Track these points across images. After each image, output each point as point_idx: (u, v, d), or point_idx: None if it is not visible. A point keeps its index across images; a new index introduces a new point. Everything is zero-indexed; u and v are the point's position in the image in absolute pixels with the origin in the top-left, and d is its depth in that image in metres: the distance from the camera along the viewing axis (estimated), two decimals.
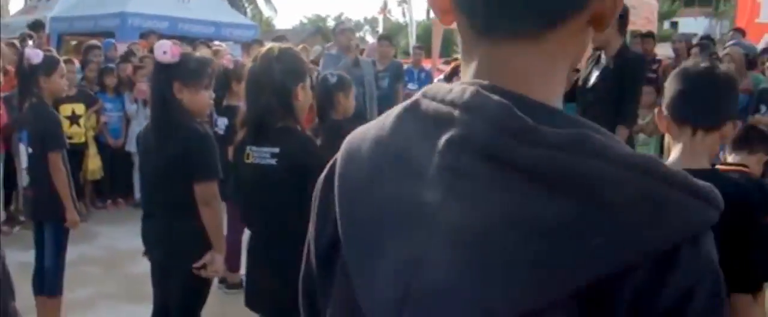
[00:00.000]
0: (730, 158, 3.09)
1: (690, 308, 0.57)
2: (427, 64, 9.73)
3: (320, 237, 0.75)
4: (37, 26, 8.18)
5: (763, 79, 5.90)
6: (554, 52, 0.66)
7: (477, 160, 0.59)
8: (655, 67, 7.83)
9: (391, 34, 14.64)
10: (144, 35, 10.74)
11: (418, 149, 0.63)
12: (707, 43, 7.52)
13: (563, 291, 0.56)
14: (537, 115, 0.60)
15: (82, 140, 6.61)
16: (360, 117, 6.56)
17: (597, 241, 0.55)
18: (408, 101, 0.70)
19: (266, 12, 33.61)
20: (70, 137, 6.48)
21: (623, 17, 4.56)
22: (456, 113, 0.62)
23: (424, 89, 0.70)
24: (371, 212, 0.66)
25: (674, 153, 1.77)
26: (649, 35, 8.09)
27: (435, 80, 11.05)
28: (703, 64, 1.80)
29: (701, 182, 0.59)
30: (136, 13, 12.33)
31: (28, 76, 3.82)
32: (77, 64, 6.85)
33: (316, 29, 34.21)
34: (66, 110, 6.44)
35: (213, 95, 2.87)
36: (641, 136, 6.84)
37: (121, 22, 12.16)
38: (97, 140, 6.98)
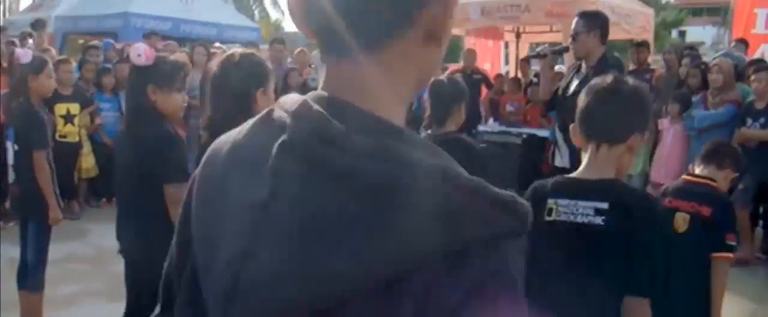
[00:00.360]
0: (699, 170, 3.12)
1: (473, 307, 0.62)
2: None
3: (182, 233, 0.81)
4: (38, 25, 8.29)
5: (750, 91, 5.93)
6: (389, 67, 0.72)
7: (297, 163, 0.66)
8: (647, 76, 7.87)
9: None
10: (146, 36, 10.87)
11: (261, 152, 0.70)
12: (696, 53, 7.54)
13: (362, 285, 0.62)
14: (355, 124, 0.67)
15: (76, 139, 6.69)
16: None
17: (394, 240, 0.62)
18: (266, 109, 0.77)
19: (274, 14, 33.77)
20: (64, 136, 6.60)
21: (604, 27, 4.62)
22: (288, 120, 0.69)
23: (280, 98, 0.76)
24: (218, 210, 0.72)
25: (582, 165, 1.85)
26: (643, 44, 8.12)
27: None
28: (609, 81, 1.85)
29: (504, 193, 0.65)
30: (139, 13, 12.46)
31: (17, 75, 3.92)
32: (74, 64, 6.94)
33: None
34: (61, 109, 6.53)
35: (186, 98, 2.94)
36: None
37: (124, 22, 12.28)
38: (92, 138, 7.07)
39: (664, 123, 6.53)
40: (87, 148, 6.95)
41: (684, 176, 3.14)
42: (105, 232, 6.38)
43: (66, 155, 6.64)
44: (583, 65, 4.69)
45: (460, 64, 9.72)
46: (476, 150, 3.38)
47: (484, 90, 9.63)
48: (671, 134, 6.42)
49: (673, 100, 6.44)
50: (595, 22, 4.65)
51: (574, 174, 1.86)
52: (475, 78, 9.37)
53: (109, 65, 7.30)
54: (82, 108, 6.71)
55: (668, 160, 6.41)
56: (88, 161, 6.95)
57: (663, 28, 29.08)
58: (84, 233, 6.29)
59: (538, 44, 10.76)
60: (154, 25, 12.60)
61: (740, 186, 5.64)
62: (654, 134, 6.71)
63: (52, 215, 3.73)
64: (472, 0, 8.91)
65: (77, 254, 5.67)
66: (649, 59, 8.32)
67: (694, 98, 6.31)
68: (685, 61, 6.78)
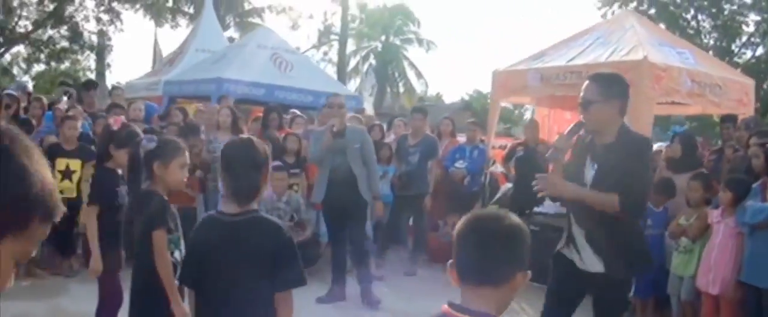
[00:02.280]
0: (469, 293, 1.83)
1: None
2: (482, 142, 8.88)
3: None
4: (89, 85, 8.49)
5: None
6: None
7: None
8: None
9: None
10: (221, 100, 10.96)
11: None
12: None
13: None
14: None
15: (74, 195, 6.57)
16: (343, 184, 6.14)
17: None
18: None
19: (418, 87, 34.06)
20: (61, 191, 6.49)
21: (624, 95, 3.59)
22: None
23: None
24: None
25: None
26: (729, 119, 6.75)
27: (491, 162, 9.99)
28: None
29: None
30: (231, 79, 12.66)
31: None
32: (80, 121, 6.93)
33: (466, 105, 33.98)
34: (61, 164, 6.48)
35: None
36: (684, 240, 5.55)
37: (217, 87, 12.52)
38: None
39: (713, 215, 5.19)
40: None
41: (445, 307, 1.86)
42: (83, 295, 6.13)
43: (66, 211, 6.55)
44: (596, 143, 3.62)
45: (521, 138, 8.75)
46: (284, 235, 2.62)
47: (551, 166, 8.52)
48: (721, 231, 5.07)
49: (725, 186, 5.12)
50: (613, 88, 3.58)
51: None
52: (538, 151, 8.35)
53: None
54: (84, 164, 6.61)
55: (716, 263, 5.04)
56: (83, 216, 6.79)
57: None
58: (58, 293, 6.05)
59: None
60: (246, 90, 12.79)
61: None
62: (703, 228, 5.38)
63: None
64: (531, 67, 8.00)
65: (29, 314, 5.41)
66: None
67: (755, 185, 4.96)
68: (754, 139, 5.41)
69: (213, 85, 12.67)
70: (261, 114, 11.24)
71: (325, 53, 29.88)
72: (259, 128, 7.95)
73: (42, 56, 23.37)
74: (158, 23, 22.16)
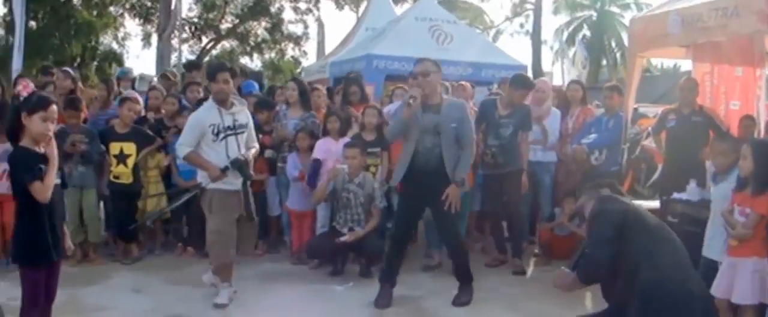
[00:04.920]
0: None
1: None
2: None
3: None
4: (191, 65, 8.32)
5: None
6: None
7: None
8: None
9: None
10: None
11: None
12: None
13: None
14: None
15: (130, 180, 6.29)
16: (429, 169, 4.99)
17: None
18: None
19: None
20: (117, 177, 6.28)
21: None
22: None
23: None
24: None
25: None
26: None
27: (644, 135, 7.95)
28: None
29: None
30: (381, 55, 12.04)
31: None
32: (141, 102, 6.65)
33: (688, 73, 29.98)
34: (115, 148, 6.25)
35: None
36: None
37: (367, 64, 11.97)
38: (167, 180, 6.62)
39: None
40: (153, 190, 6.48)
41: None
42: (121, 286, 5.72)
43: (119, 197, 6.32)
44: None
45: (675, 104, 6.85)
46: None
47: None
48: None
49: None
50: None
51: None
52: (694, 121, 6.45)
53: (187, 104, 6.80)
54: (139, 149, 6.31)
55: None
56: (149, 204, 6.48)
57: None
58: (94, 280, 5.75)
59: None
60: (397, 66, 12.05)
61: None
62: None
63: None
64: (671, 8, 6.16)
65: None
66: None
67: None
68: None
69: (364, 62, 12.12)
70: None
71: (522, 25, 28.05)
72: (340, 101, 7.12)
73: (247, 48, 24.84)
74: (339, 6, 22.34)
